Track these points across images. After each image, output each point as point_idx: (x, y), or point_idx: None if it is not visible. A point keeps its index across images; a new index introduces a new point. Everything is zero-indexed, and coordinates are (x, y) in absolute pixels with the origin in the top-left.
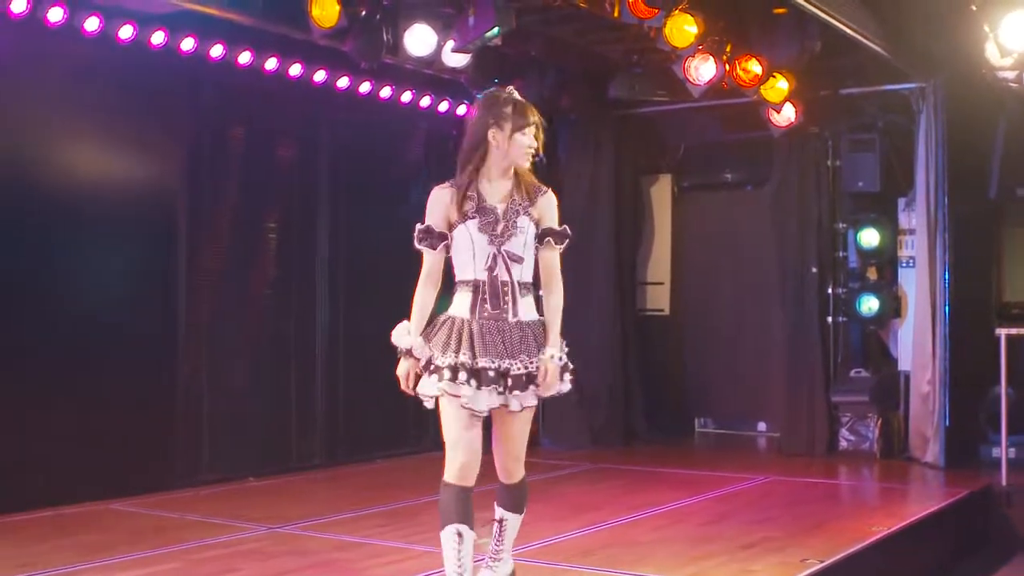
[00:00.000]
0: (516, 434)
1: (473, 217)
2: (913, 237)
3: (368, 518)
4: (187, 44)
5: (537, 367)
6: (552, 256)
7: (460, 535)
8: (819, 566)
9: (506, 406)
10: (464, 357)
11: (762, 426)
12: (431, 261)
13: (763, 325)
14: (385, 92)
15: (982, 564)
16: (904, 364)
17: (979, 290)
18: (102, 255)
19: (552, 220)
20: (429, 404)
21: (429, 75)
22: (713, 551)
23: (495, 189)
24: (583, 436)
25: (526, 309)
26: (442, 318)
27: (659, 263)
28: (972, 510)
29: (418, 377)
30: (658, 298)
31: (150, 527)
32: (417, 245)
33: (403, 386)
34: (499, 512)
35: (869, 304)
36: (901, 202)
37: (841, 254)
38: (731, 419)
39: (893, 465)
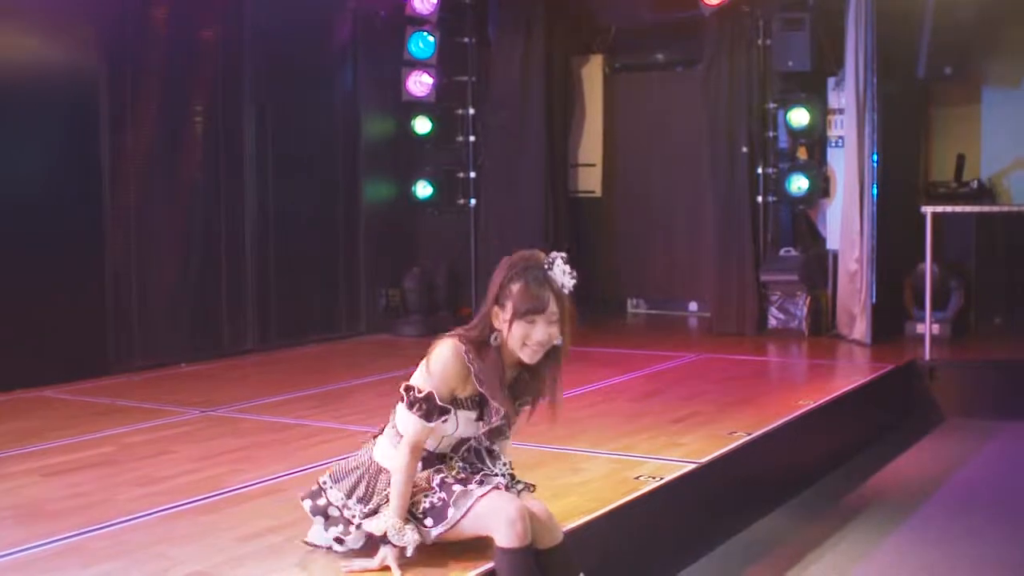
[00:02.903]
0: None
1: (474, 410)
2: (842, 117)
3: (301, 400)
4: None
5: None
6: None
7: None
8: (746, 438)
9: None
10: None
11: (693, 306)
12: (422, 434)
13: (694, 206)
14: None
15: (905, 436)
16: (832, 243)
17: (906, 169)
18: (22, 141)
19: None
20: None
21: None
22: (644, 425)
23: (510, 375)
24: None
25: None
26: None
27: (591, 145)
28: (896, 384)
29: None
30: (590, 180)
31: (83, 413)
32: (408, 410)
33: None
34: None
35: (798, 183)
36: (831, 82)
37: (771, 134)
38: (663, 299)
39: (821, 342)
